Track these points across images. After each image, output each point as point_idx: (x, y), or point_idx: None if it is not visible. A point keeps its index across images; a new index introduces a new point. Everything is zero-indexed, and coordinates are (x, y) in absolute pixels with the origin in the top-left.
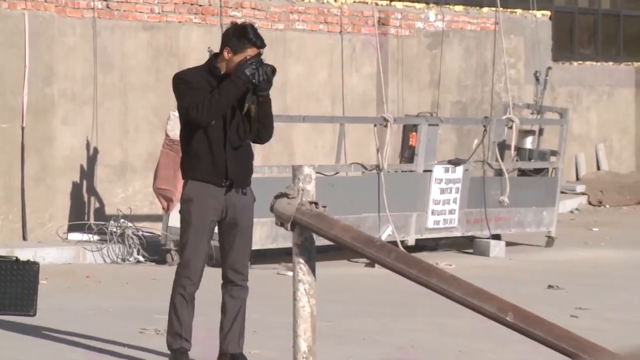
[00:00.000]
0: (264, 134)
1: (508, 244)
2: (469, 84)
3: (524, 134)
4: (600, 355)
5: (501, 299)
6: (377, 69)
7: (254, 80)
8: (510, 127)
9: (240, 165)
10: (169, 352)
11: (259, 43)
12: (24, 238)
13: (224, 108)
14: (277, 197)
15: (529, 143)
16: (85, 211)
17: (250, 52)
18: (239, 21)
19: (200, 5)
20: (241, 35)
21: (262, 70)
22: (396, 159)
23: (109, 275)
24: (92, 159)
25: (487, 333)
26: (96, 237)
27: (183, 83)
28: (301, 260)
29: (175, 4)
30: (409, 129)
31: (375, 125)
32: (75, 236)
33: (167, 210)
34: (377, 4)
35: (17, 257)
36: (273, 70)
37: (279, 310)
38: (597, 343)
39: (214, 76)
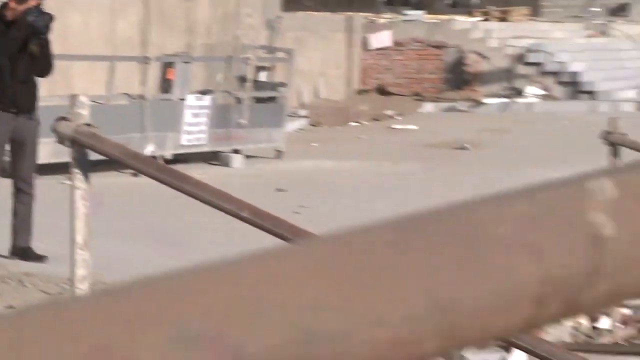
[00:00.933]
0: (45, 69)
1: (246, 156)
2: (216, 30)
3: (259, 69)
4: (309, 238)
5: (239, 199)
6: (142, 18)
7: (35, 26)
8: (248, 64)
9: (27, 96)
10: None
11: None
12: None
13: (12, 49)
14: (57, 120)
15: (263, 77)
16: None
17: (33, 2)
18: None
19: None
20: None
21: (42, 18)
22: (156, 90)
23: None
24: None
25: (229, 226)
26: None
27: None
28: (77, 171)
29: None
30: (167, 66)
31: (139, 63)
32: None
33: None
34: None
35: None
36: (51, 18)
37: (61, 213)
38: (309, 230)
39: (3, 22)
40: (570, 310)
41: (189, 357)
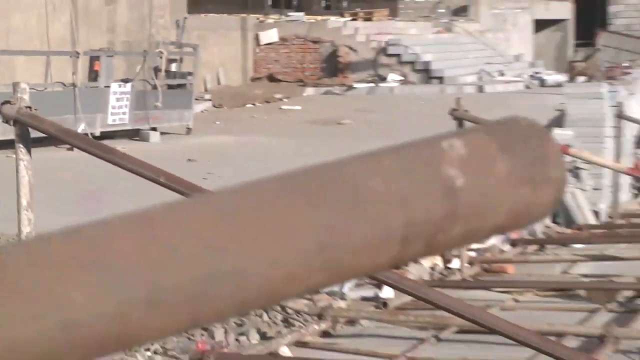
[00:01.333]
0: None
1: (162, 133)
2: (133, 29)
3: (170, 61)
4: (204, 194)
5: (157, 167)
6: (71, 19)
7: None
8: (161, 57)
9: None
10: None
11: None
12: None
13: None
14: (2, 103)
15: (174, 67)
16: None
17: None
18: None
19: None
20: None
21: None
22: (85, 79)
23: None
24: None
25: (149, 190)
26: None
27: None
28: (21, 146)
29: None
30: (93, 59)
31: (70, 57)
32: None
33: None
34: None
35: None
36: None
37: (9, 183)
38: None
39: None
40: (430, 249)
41: (113, 291)
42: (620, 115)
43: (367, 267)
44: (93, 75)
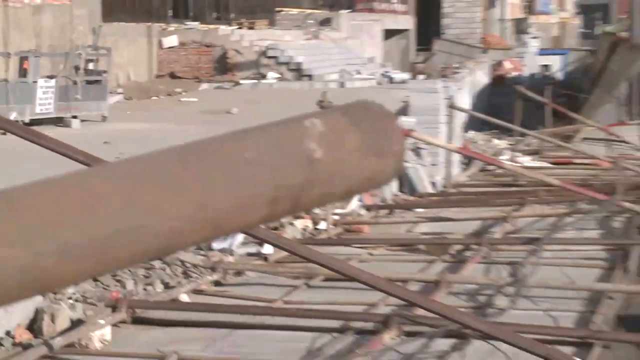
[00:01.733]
0: None
1: (82, 121)
2: (57, 35)
3: (88, 61)
4: (107, 163)
5: (78, 149)
6: (3, 26)
7: None
8: (80, 58)
9: None
10: None
11: None
12: None
13: None
14: None
15: (91, 66)
16: None
17: None
18: None
19: None
20: None
21: None
22: (16, 75)
23: None
24: None
25: (70, 169)
26: None
27: None
28: None
29: None
30: (23, 59)
31: (3, 57)
32: None
33: None
34: None
35: None
36: None
37: None
38: None
39: None
40: (295, 209)
41: (31, 244)
42: (452, 106)
43: (243, 223)
44: (23, 73)
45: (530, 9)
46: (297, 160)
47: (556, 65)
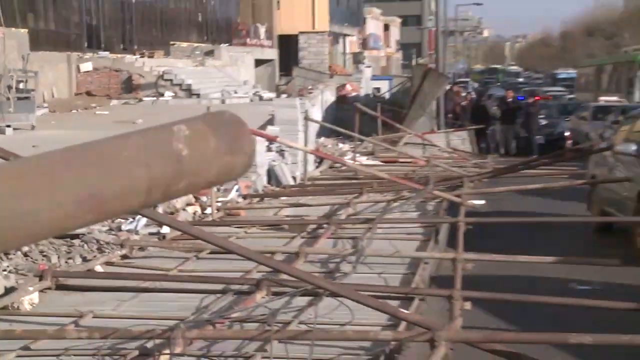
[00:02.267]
0: None
1: (14, 129)
2: None
3: (19, 82)
4: (17, 159)
5: (11, 152)
6: None
7: None
8: (12, 79)
9: None
10: None
11: None
12: None
13: None
14: None
15: (21, 85)
16: None
17: None
18: None
19: None
20: None
21: None
22: None
23: None
24: None
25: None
26: None
27: None
28: None
29: None
30: None
31: None
32: None
33: None
34: None
35: None
36: None
37: None
38: None
39: None
40: (166, 197)
41: None
42: (307, 118)
43: (124, 208)
44: None
45: (364, 45)
46: (167, 158)
47: (384, 87)
